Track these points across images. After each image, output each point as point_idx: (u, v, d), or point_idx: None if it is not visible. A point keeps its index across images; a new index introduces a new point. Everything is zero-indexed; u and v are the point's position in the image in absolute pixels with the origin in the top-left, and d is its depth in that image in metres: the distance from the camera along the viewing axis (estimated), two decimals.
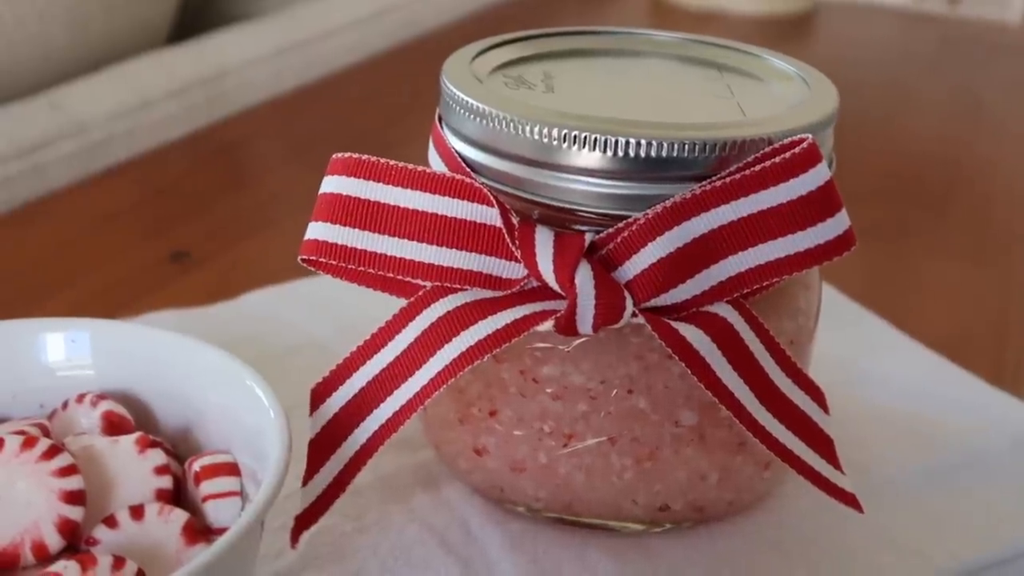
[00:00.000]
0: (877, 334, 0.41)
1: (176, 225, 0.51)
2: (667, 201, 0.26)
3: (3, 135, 0.54)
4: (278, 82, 0.68)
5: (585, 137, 0.27)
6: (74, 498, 0.24)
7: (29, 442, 0.24)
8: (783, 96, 0.31)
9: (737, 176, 0.26)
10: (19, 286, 0.45)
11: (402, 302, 0.28)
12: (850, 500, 0.28)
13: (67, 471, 0.24)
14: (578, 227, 0.28)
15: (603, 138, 0.27)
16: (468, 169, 0.29)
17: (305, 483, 0.28)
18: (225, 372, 0.27)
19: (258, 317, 0.40)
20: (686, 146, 0.27)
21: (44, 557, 0.24)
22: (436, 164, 0.30)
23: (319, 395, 0.28)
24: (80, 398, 0.28)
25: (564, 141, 0.27)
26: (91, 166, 0.56)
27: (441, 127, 0.30)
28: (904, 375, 0.39)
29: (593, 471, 0.30)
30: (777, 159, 0.26)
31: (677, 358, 0.27)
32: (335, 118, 0.66)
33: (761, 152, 0.27)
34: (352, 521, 0.31)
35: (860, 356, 0.39)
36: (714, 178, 0.27)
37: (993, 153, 0.65)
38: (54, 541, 0.24)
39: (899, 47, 0.84)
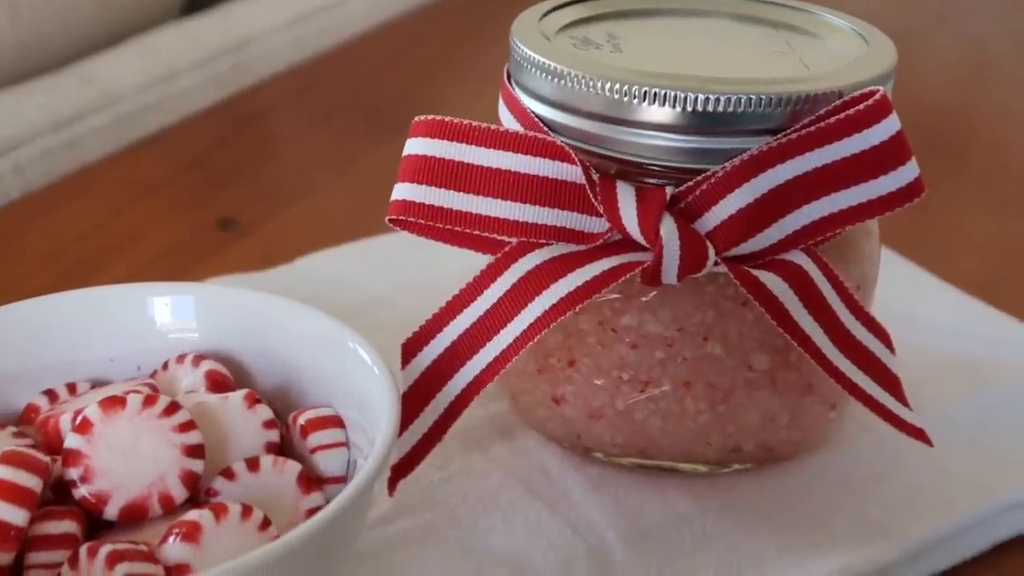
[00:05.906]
0: (915, 279, 0.42)
1: (218, 193, 0.52)
2: (745, 154, 0.28)
3: (38, 108, 0.55)
4: (301, 47, 0.68)
5: (665, 94, 0.28)
6: (195, 452, 0.26)
7: (149, 400, 0.25)
8: (841, 50, 0.32)
9: (812, 128, 0.27)
10: (71, 259, 0.46)
11: (487, 259, 0.29)
12: (919, 435, 0.30)
13: (187, 426, 0.26)
14: (652, 181, 0.29)
15: (681, 94, 0.28)
16: (544, 127, 0.30)
17: (400, 434, 0.29)
18: (324, 332, 0.28)
19: (318, 279, 0.41)
20: (762, 100, 0.28)
21: (170, 508, 0.25)
22: (509, 123, 0.31)
23: (410, 350, 0.29)
24: (180, 358, 0.29)
25: (643, 98, 0.28)
26: (125, 138, 0.57)
27: (511, 86, 0.31)
28: (945, 317, 0.40)
29: (669, 416, 0.31)
30: (851, 111, 0.27)
31: (757, 304, 0.28)
32: (362, 81, 0.66)
33: (832, 105, 0.28)
34: (438, 471, 0.32)
35: (902, 299, 0.40)
36: (790, 131, 0.28)
37: (1006, 100, 0.65)
38: (179, 493, 0.25)
39: None
